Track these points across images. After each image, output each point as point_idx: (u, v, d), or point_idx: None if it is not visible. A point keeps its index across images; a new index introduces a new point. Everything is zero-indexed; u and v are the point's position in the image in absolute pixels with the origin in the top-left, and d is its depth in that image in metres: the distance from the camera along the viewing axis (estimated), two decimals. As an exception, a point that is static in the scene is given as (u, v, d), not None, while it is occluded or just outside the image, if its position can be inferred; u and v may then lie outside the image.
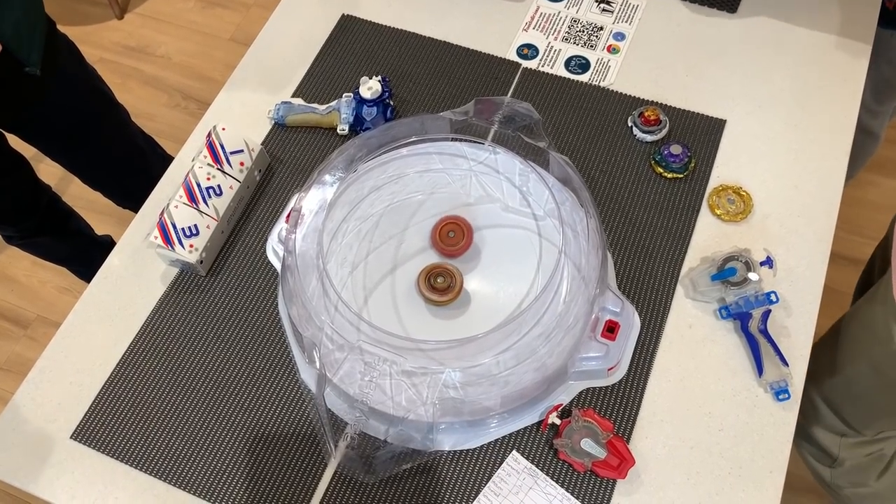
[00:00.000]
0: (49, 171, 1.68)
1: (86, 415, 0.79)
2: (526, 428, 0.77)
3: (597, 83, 0.98)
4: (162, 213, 0.85)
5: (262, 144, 0.93)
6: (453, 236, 0.79)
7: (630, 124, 0.93)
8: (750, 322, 0.79)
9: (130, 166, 1.27)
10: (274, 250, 0.87)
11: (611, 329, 0.78)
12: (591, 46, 1.01)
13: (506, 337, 0.75)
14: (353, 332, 0.77)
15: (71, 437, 0.78)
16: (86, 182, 1.32)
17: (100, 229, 1.53)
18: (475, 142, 0.88)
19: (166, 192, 0.93)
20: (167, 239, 0.84)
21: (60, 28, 1.10)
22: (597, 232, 0.78)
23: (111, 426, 0.78)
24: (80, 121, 1.13)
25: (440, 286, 0.77)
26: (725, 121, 0.94)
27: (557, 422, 0.75)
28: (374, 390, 0.74)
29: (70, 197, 1.75)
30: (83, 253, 1.43)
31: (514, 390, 0.74)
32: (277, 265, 0.86)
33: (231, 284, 0.86)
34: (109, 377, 0.81)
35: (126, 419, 0.79)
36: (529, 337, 0.77)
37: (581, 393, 0.78)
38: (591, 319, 0.77)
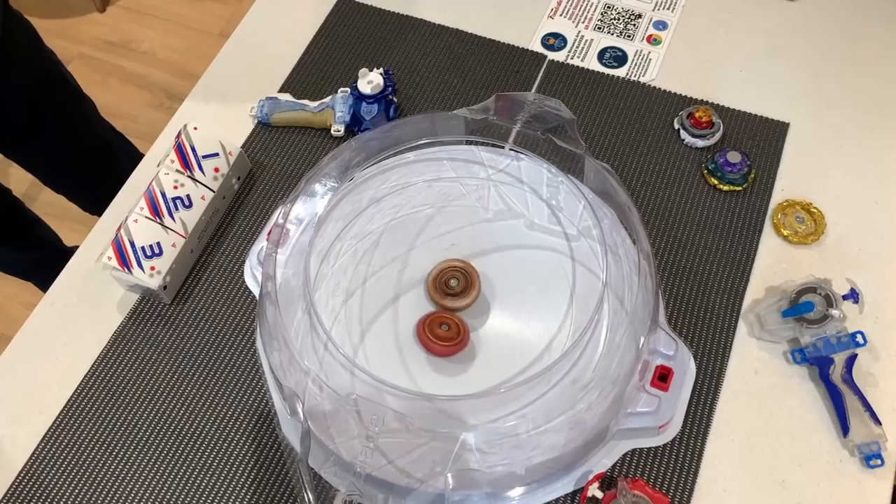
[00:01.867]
0: (19, 176, 1.54)
1: (18, 476, 0.65)
2: (558, 500, 0.62)
3: (636, 79, 0.84)
4: (119, 229, 0.71)
5: (241, 147, 0.79)
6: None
7: (677, 127, 0.79)
8: (831, 369, 0.65)
9: (97, 166, 1.12)
10: (253, 274, 0.73)
11: (663, 377, 0.63)
12: (629, 37, 0.87)
13: (533, 387, 0.61)
14: (346, 378, 0.63)
15: (-1, 504, 0.64)
16: (47, 184, 1.18)
17: (72, 240, 1.39)
18: (495, 145, 0.74)
19: (130, 203, 0.79)
20: (123, 260, 0.69)
21: (34, 20, 0.97)
22: (646, 256, 0.63)
23: (49, 491, 0.64)
24: (36, 110, 0.99)
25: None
26: (788, 124, 0.80)
27: (599, 495, 0.60)
28: (371, 453, 0.59)
29: (41, 204, 1.61)
30: (49, 266, 1.27)
31: (545, 454, 0.60)
32: (257, 291, 0.72)
33: (201, 315, 0.72)
34: (50, 428, 0.67)
35: (68, 481, 0.64)
36: (562, 387, 0.63)
37: (626, 455, 0.64)
38: (639, 365, 0.62)
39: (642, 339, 0.62)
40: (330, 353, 0.65)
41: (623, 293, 0.67)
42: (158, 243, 0.70)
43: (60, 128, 1.03)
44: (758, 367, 0.67)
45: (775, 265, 0.72)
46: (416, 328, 0.64)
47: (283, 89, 0.85)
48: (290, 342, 0.65)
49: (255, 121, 0.83)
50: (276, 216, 0.67)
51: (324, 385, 0.62)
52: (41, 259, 1.28)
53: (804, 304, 0.66)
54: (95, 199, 1.20)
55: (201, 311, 0.72)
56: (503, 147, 0.73)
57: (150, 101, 1.77)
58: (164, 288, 0.70)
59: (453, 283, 0.64)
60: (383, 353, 0.65)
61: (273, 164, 0.80)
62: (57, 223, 1.36)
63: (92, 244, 0.77)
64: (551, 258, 0.69)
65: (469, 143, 0.75)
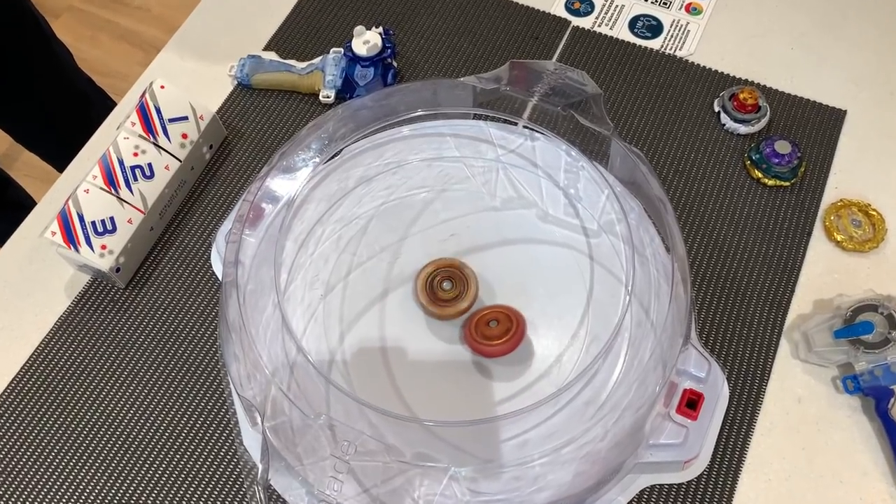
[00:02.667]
0: (-4, 134, 1.44)
1: (-63, 481, 0.56)
2: (562, 542, 0.53)
3: (671, 52, 0.73)
4: (67, 200, 0.61)
5: (216, 112, 0.69)
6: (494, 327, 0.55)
7: (717, 109, 0.69)
8: (891, 403, 0.55)
9: (72, 123, 1.02)
10: (221, 259, 0.63)
11: (692, 403, 0.54)
12: (665, 4, 0.76)
13: (534, 409, 0.52)
14: (320, 391, 0.54)
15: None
16: (20, 141, 1.08)
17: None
18: (506, 121, 0.64)
19: (86, 169, 0.69)
20: (70, 236, 0.60)
21: None
22: (681, 260, 0.53)
23: (-29, 500, 0.55)
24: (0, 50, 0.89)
25: (446, 295, 0.54)
26: (846, 111, 0.69)
27: (611, 541, 0.51)
28: (344, 480, 0.50)
29: (21, 165, 1.52)
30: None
31: (549, 490, 0.51)
32: (224, 279, 0.62)
33: (160, 303, 0.62)
34: (-23, 427, 0.58)
35: (-7, 490, 0.55)
36: (572, 409, 0.53)
37: (643, 492, 0.55)
38: (664, 387, 0.53)
39: (670, 358, 0.53)
40: (304, 357, 0.55)
41: (649, 301, 0.57)
42: (112, 218, 0.61)
43: (31, 75, 0.93)
44: (801, 394, 0.57)
45: (826, 275, 0.62)
46: (462, 332, 0.55)
47: (268, 47, 0.74)
48: (255, 343, 0.55)
49: (235, 82, 0.72)
50: (246, 194, 0.58)
51: (294, 396, 0.53)
52: (13, 223, 1.19)
53: (862, 325, 0.56)
54: (69, 157, 1.10)
55: (160, 299, 0.62)
56: (516, 123, 0.63)
57: (143, 59, 1.66)
58: (117, 270, 0.61)
59: (446, 286, 0.54)
60: (365, 359, 0.55)
61: (252, 132, 0.70)
62: (37, 186, 1.26)
63: (41, 215, 0.67)
64: (566, 256, 0.59)
65: (477, 117, 0.65)
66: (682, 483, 0.55)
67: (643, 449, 0.52)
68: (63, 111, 1.01)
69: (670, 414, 0.53)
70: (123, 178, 0.62)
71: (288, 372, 0.55)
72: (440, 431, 0.51)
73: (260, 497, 0.49)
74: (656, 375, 0.53)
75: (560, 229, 0.60)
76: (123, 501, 0.54)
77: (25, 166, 1.50)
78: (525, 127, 0.63)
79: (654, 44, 0.73)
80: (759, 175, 0.65)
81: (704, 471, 0.55)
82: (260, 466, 0.50)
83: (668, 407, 0.53)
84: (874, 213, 0.64)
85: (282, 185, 0.60)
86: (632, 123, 0.69)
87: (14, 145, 1.58)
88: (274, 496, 0.54)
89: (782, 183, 0.65)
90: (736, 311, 0.60)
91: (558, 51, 0.73)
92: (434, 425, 0.50)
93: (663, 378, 0.52)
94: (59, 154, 1.12)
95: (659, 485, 0.55)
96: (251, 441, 0.56)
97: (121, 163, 0.62)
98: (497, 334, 0.53)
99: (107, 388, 0.59)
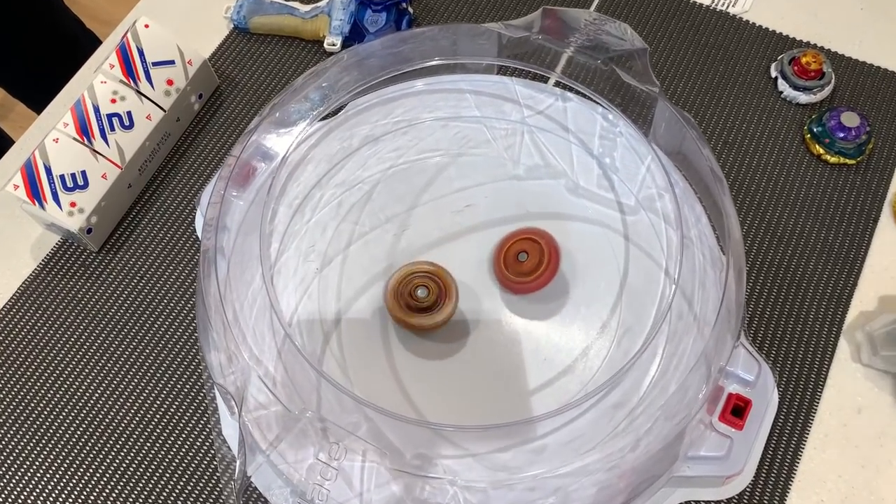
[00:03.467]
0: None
1: None
2: (582, 563, 0.46)
3: (724, 8, 0.65)
4: (34, 150, 0.54)
5: (208, 58, 0.62)
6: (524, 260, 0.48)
7: (774, 74, 0.61)
8: (969, 418, 0.48)
9: (59, 66, 0.94)
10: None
11: (738, 410, 0.46)
12: (718, -47, 0.67)
13: (557, 414, 0.45)
14: (310, 380, 0.47)
15: None
16: (2, 85, 1.01)
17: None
18: (536, 76, 0.56)
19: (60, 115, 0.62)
20: (35, 191, 0.53)
21: None
22: (736, 246, 0.46)
23: (-84, 483, 0.49)
24: None
25: (422, 302, 0.47)
26: (921, 82, 0.61)
27: (639, 567, 0.44)
28: (333, 482, 0.43)
29: (17, 116, 1.45)
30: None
31: (570, 505, 0.44)
32: (209, 246, 0.55)
33: (137, 269, 0.55)
34: (-74, 401, 0.51)
35: (-60, 474, 0.49)
36: (598, 412, 0.46)
37: (677, 509, 0.48)
38: (708, 392, 0.46)
39: (717, 357, 0.45)
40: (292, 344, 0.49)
41: (692, 291, 0.49)
42: (84, 172, 0.54)
43: (14, 14, 0.86)
44: (862, 404, 0.50)
45: (893, 268, 0.54)
46: (493, 257, 0.49)
47: (269, -12, 0.66)
48: (238, 320, 0.48)
49: (231, 25, 0.65)
50: (235, 149, 0.50)
51: (280, 385, 0.46)
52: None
53: (939, 327, 0.48)
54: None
55: (137, 265, 0.55)
56: (547, 79, 0.55)
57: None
58: (89, 231, 0.54)
59: (421, 293, 0.46)
60: (364, 343, 0.48)
61: (248, 82, 0.62)
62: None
63: (8, 167, 0.60)
64: (598, 235, 0.52)
65: (501, 71, 0.57)
66: (722, 500, 0.48)
67: (680, 461, 0.45)
68: (50, 55, 0.93)
69: (713, 422, 0.46)
70: (99, 127, 0.55)
71: (275, 355, 0.48)
72: (446, 433, 0.44)
73: (235, 497, 0.43)
74: (699, 377, 0.45)
75: (592, 204, 0.52)
76: (86, 492, 0.48)
77: (20, 118, 1.43)
78: (557, 84, 0.55)
79: (705, -2, 0.65)
80: (821, 151, 0.57)
81: (748, 487, 0.48)
82: (238, 461, 0.43)
83: (712, 414, 0.46)
84: (952, 198, 0.56)
85: (276, 141, 0.52)
86: (676, 87, 0.61)
87: (9, 97, 1.51)
88: (255, 495, 0.47)
89: (847, 161, 0.57)
90: (788, 306, 0.53)
91: (596, 1, 0.65)
92: (440, 429, 0.43)
93: (708, 380, 0.45)
94: (45, 101, 1.05)
95: (695, 501, 0.48)
96: (231, 431, 0.50)
97: (96, 110, 0.55)
98: (529, 268, 0.47)
99: (72, 364, 0.52)
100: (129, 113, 0.56)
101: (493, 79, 0.56)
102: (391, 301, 0.47)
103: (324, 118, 0.55)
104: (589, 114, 0.55)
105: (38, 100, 1.04)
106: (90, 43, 1.01)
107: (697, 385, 0.45)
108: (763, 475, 0.48)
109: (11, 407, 0.51)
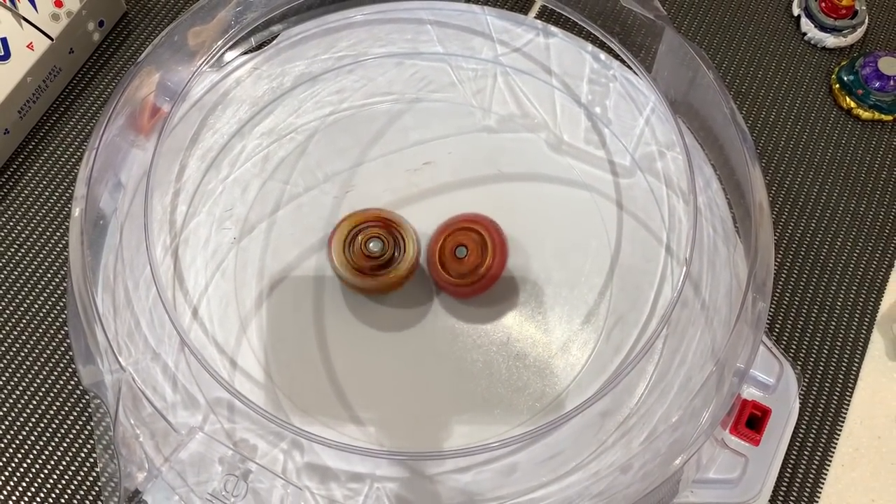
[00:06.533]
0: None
1: None
2: None
3: (738, -67, 0.54)
4: None
5: (112, -24, 0.50)
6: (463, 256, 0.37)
7: (797, 12, 0.51)
8: None
9: None
10: (101, 179, 0.45)
11: (753, 421, 0.38)
12: None
13: (534, 424, 0.36)
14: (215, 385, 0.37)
15: None
16: None
17: None
18: (512, 7, 0.45)
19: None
20: None
21: None
22: (763, 216, 0.36)
23: None
24: None
25: (375, 256, 0.37)
26: (968, 26, 0.51)
27: None
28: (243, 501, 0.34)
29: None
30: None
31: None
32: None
33: (14, 237, 0.45)
34: None
35: None
36: (581, 422, 0.37)
37: (675, 539, 0.39)
38: (720, 399, 0.36)
39: (730, 355, 0.36)
40: (200, 326, 0.39)
41: (699, 272, 0.40)
42: (-57, 113, 0.43)
43: None
44: (899, 410, 0.41)
45: (936, 246, 0.45)
46: (427, 253, 0.38)
47: None
48: (133, 303, 0.38)
49: (144, -60, 0.53)
50: (123, 80, 0.39)
51: (180, 386, 0.36)
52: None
53: None
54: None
55: (14, 231, 0.45)
56: (527, 12, 0.45)
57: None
58: (-49, 188, 0.43)
59: (374, 246, 0.36)
60: (290, 336, 0.39)
61: (162, 8, 0.51)
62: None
63: None
64: (584, 201, 0.42)
65: (470, -1, 0.47)
66: (730, 529, 0.39)
67: (683, 486, 0.36)
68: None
69: (723, 436, 0.37)
70: (-37, 56, 0.44)
71: (177, 345, 0.38)
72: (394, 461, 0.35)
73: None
74: (709, 382, 0.36)
75: (578, 163, 0.43)
76: (-66, 518, 0.38)
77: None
78: (541, 14, 0.45)
79: (715, -78, 0.55)
80: (852, 104, 0.48)
81: (761, 513, 0.39)
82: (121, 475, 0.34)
83: (724, 427, 0.37)
84: None
85: (184, 76, 0.42)
86: (679, 27, 0.51)
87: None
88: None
89: (883, 117, 0.48)
90: (811, 292, 0.44)
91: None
92: (385, 455, 0.34)
93: (718, 384, 0.36)
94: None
95: (697, 530, 0.39)
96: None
97: (-39, 35, 0.44)
98: (469, 267, 0.37)
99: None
100: (3, 40, 0.44)
101: (460, 7, 0.46)
102: (340, 257, 0.37)
103: (249, 51, 0.45)
104: (576, 52, 0.45)
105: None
106: None
107: (706, 391, 0.36)
108: (781, 496, 0.39)
109: None
